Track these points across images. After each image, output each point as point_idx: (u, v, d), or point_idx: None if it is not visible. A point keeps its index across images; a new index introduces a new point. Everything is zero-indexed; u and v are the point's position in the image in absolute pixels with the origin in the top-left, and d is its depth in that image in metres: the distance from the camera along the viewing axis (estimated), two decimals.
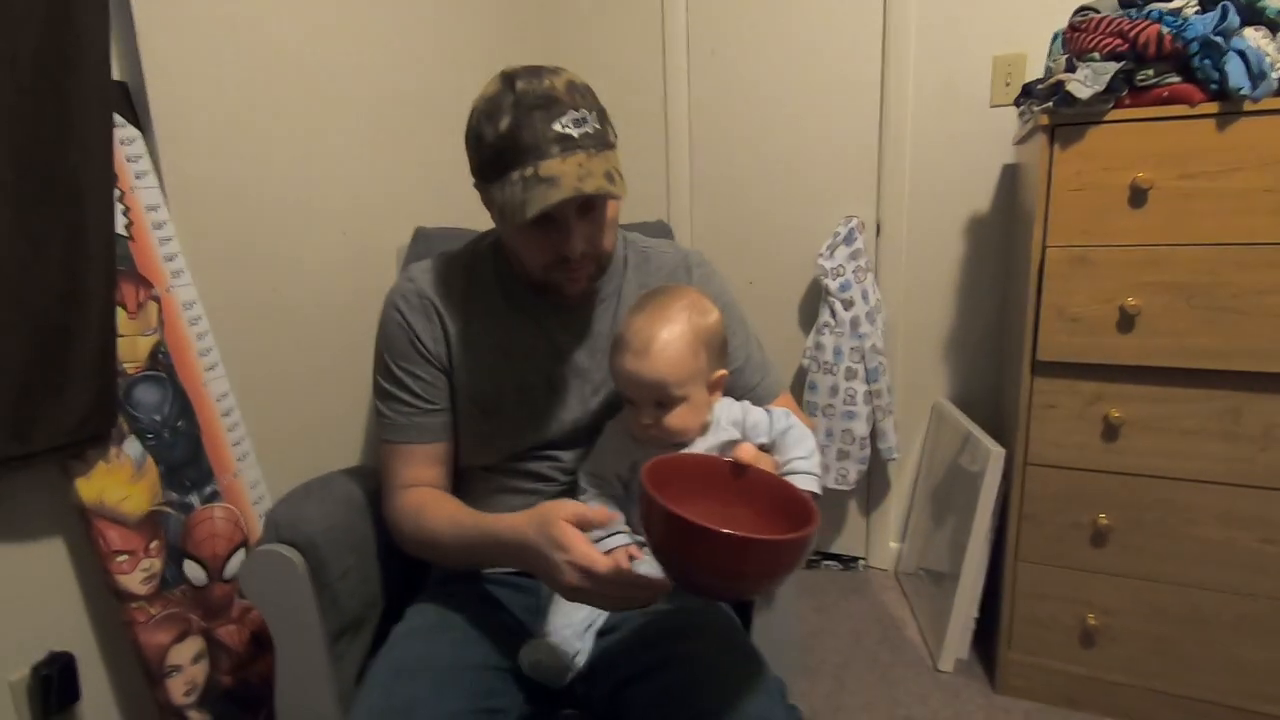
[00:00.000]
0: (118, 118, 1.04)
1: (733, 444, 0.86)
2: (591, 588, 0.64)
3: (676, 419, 0.81)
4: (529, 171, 0.73)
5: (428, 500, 0.86)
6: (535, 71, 0.77)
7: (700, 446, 0.85)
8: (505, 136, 0.75)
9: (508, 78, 0.77)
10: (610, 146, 0.79)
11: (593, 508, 0.66)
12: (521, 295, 0.93)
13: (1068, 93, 1.19)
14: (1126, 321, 1.25)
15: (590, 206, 0.81)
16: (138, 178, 1.09)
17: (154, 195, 1.11)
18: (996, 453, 1.46)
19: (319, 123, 1.37)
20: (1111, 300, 1.26)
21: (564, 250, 0.80)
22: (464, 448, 0.93)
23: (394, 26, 1.54)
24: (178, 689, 1.06)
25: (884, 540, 2.04)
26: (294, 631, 0.84)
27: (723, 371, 0.86)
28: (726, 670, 0.67)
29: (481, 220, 1.03)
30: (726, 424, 0.87)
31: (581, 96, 0.78)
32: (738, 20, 1.92)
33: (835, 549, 2.09)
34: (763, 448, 0.87)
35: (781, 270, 1.97)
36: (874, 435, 1.84)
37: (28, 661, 0.98)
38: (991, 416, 1.76)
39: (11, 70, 0.89)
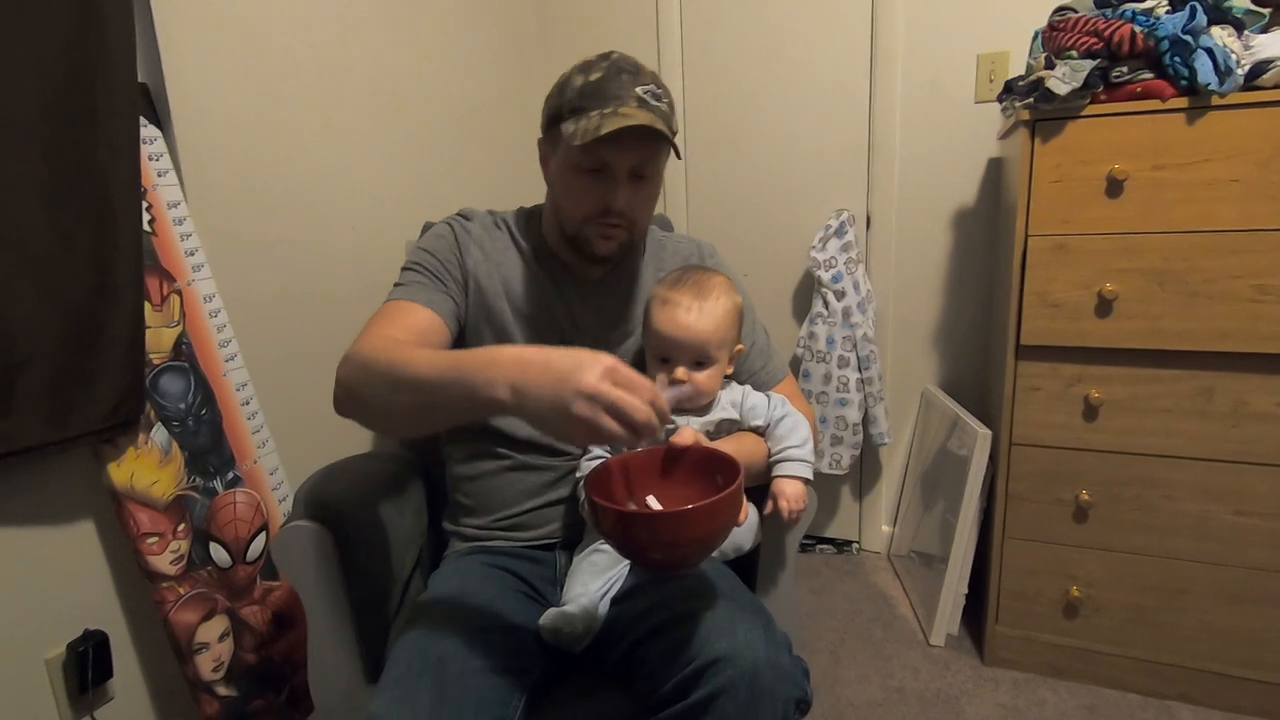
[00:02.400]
0: (140, 118, 1.08)
1: (729, 422, 0.93)
2: (605, 391, 0.57)
3: (706, 378, 0.91)
4: (608, 110, 0.84)
5: (407, 343, 0.81)
6: (630, 56, 0.91)
7: (698, 423, 0.92)
8: (595, 84, 0.86)
9: (605, 52, 0.90)
10: (672, 130, 0.89)
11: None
12: (549, 262, 1.01)
13: (1047, 89, 1.25)
14: (1104, 306, 1.32)
15: (641, 174, 0.90)
16: (160, 175, 1.13)
17: (174, 192, 1.15)
18: (983, 434, 1.52)
19: (331, 122, 1.42)
20: (1090, 286, 1.32)
21: (609, 199, 0.89)
22: None
23: (401, 30, 1.59)
24: (206, 665, 1.10)
25: (876, 524, 2.10)
26: (323, 601, 0.89)
27: (741, 346, 0.98)
28: (737, 623, 0.72)
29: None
30: (726, 404, 0.93)
31: (660, 84, 0.89)
32: (729, 19, 1.97)
33: (829, 533, 2.16)
34: (758, 430, 0.94)
35: (775, 262, 2.03)
36: (866, 421, 1.90)
37: (64, 639, 1.02)
38: (978, 401, 1.83)
39: (42, 74, 0.94)
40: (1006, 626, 1.53)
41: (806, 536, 2.16)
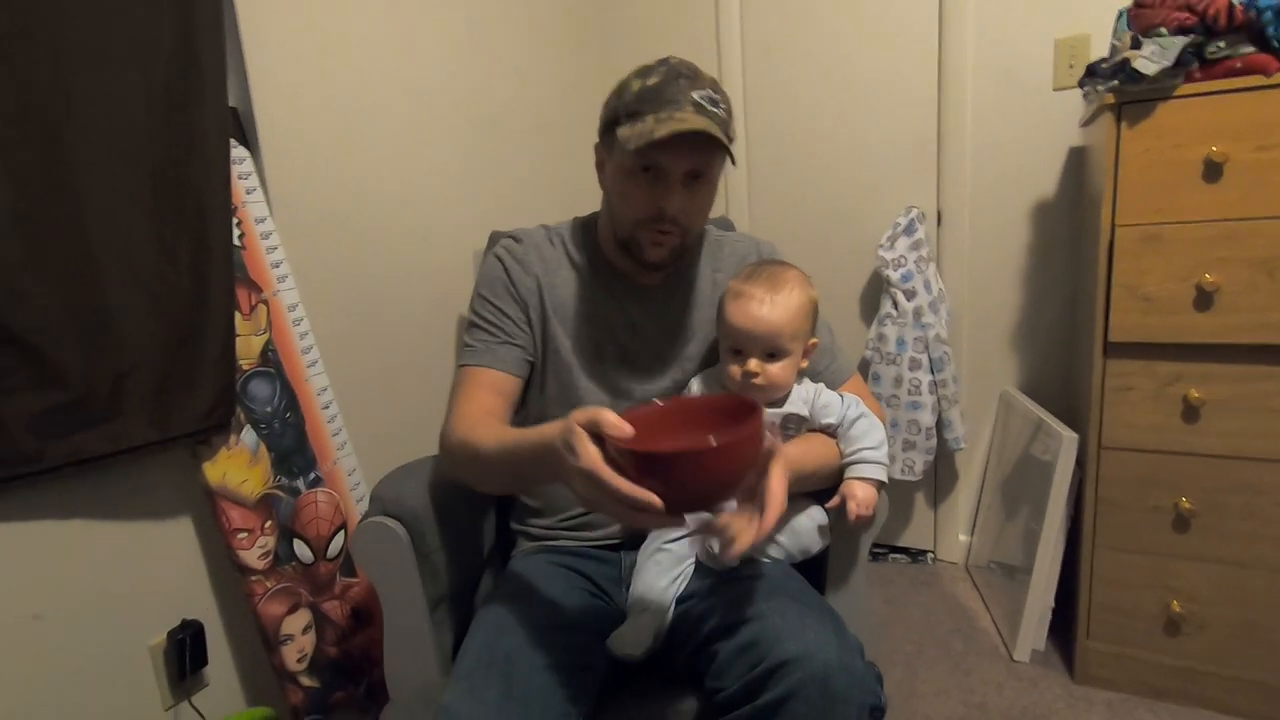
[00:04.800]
0: (231, 140, 1.15)
1: (797, 418, 0.91)
2: (595, 496, 0.61)
3: (780, 370, 0.89)
4: (664, 115, 0.83)
5: (481, 420, 0.89)
6: (688, 61, 0.90)
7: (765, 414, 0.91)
8: (652, 89, 0.86)
9: (664, 57, 0.90)
10: (730, 137, 0.88)
11: (610, 414, 0.62)
12: (605, 272, 1.01)
13: (1134, 70, 1.18)
14: (1204, 299, 1.23)
15: (696, 178, 0.89)
16: (248, 193, 1.20)
17: (261, 209, 1.22)
18: (1069, 438, 1.44)
19: (404, 141, 1.48)
20: (1187, 278, 1.23)
21: (663, 202, 0.88)
22: (534, 403, 1.01)
23: (473, 51, 1.65)
24: (291, 656, 1.16)
25: (953, 533, 2.01)
26: (399, 595, 0.92)
27: (815, 339, 0.95)
28: (807, 625, 0.70)
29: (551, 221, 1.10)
30: (797, 400, 0.91)
31: (718, 89, 0.88)
32: (791, 18, 1.95)
33: (903, 542, 2.08)
34: (829, 429, 0.91)
35: (842, 262, 1.98)
36: (940, 425, 1.83)
37: (164, 628, 1.09)
38: (1062, 403, 1.73)
39: (147, 102, 1.02)
40: (1099, 642, 1.43)
41: (879, 545, 2.09)
